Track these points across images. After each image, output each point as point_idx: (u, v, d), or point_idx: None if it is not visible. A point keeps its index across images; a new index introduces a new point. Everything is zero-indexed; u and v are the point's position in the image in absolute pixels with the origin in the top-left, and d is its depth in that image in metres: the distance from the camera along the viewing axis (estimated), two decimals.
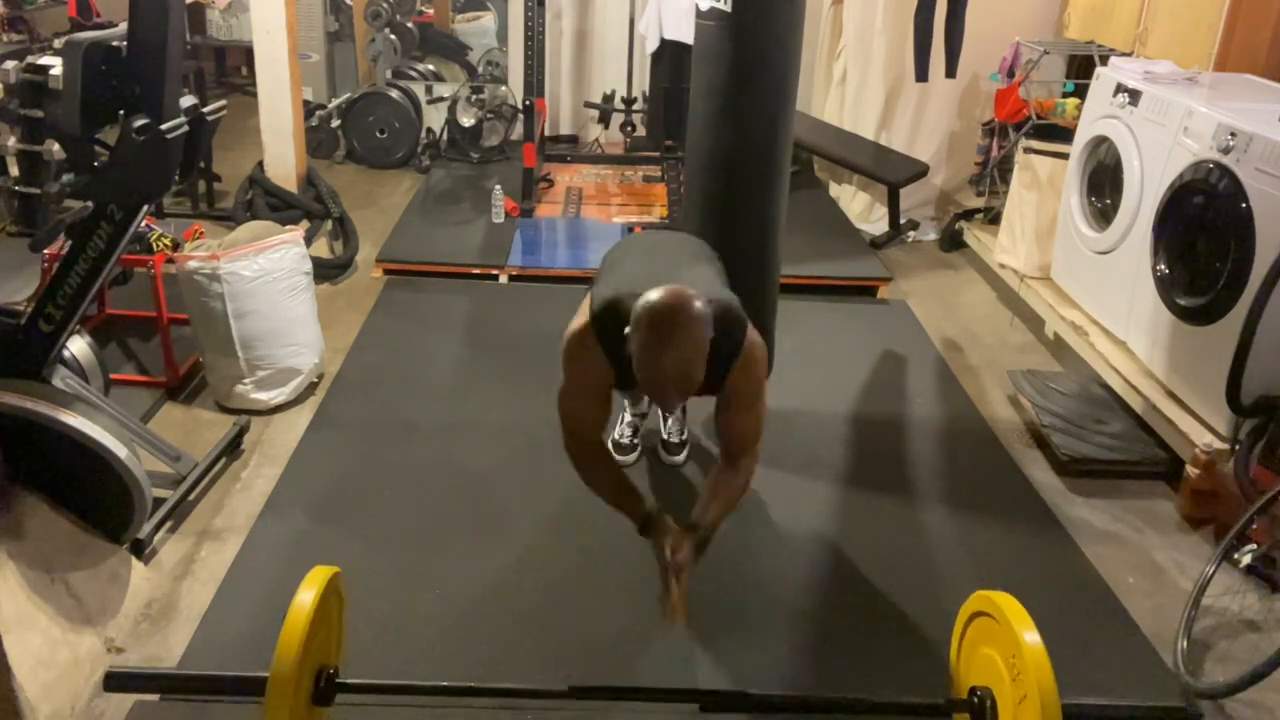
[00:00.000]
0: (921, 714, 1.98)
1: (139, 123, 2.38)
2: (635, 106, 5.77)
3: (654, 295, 1.76)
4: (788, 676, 2.25)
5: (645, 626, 2.37)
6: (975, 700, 1.87)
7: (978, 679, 1.92)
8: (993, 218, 4.81)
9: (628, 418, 3.00)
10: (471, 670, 2.21)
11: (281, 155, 5.10)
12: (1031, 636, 1.76)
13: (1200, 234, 3.07)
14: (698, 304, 1.77)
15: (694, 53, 2.90)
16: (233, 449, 3.00)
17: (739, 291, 2.11)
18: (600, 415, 2.09)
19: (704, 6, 2.78)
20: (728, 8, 2.70)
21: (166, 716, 2.08)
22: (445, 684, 1.94)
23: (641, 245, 2.47)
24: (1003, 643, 1.83)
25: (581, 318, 2.02)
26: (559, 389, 2.08)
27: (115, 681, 1.86)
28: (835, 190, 5.70)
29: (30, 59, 4.30)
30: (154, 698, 2.10)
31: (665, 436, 3.01)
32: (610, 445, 2.75)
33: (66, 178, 4.45)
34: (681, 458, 3.00)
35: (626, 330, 1.81)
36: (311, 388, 3.40)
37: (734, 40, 2.72)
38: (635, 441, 2.98)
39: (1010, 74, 4.71)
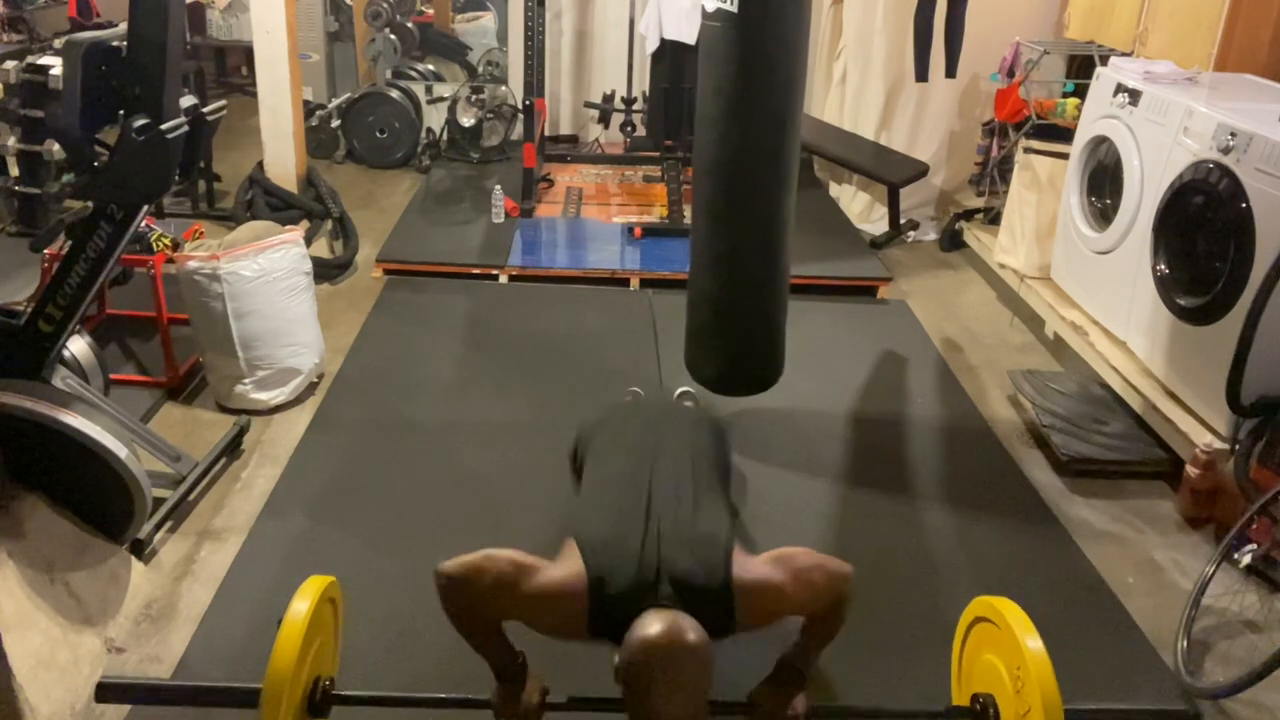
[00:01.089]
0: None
1: (139, 123, 2.38)
2: (635, 106, 5.77)
3: (652, 631, 1.51)
4: None
5: None
6: (978, 707, 1.84)
7: (980, 685, 1.90)
8: (993, 218, 4.81)
9: None
10: (471, 672, 2.20)
11: (281, 155, 5.11)
12: (1034, 643, 1.75)
13: (1200, 234, 3.07)
14: (694, 636, 1.52)
15: (700, 54, 2.90)
16: (233, 449, 3.00)
17: (747, 292, 2.01)
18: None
19: (710, 8, 2.78)
20: (734, 9, 2.70)
21: (166, 716, 2.08)
22: (443, 695, 1.89)
23: (625, 444, 2.05)
24: (1005, 649, 1.82)
25: (571, 577, 1.64)
26: (494, 577, 1.65)
27: (106, 693, 1.82)
28: (835, 190, 5.70)
29: (30, 59, 4.33)
30: None
31: None
32: None
33: (66, 178, 4.47)
34: None
35: (616, 661, 1.57)
36: (311, 388, 3.40)
37: (741, 41, 2.72)
38: None
39: (1010, 74, 4.71)
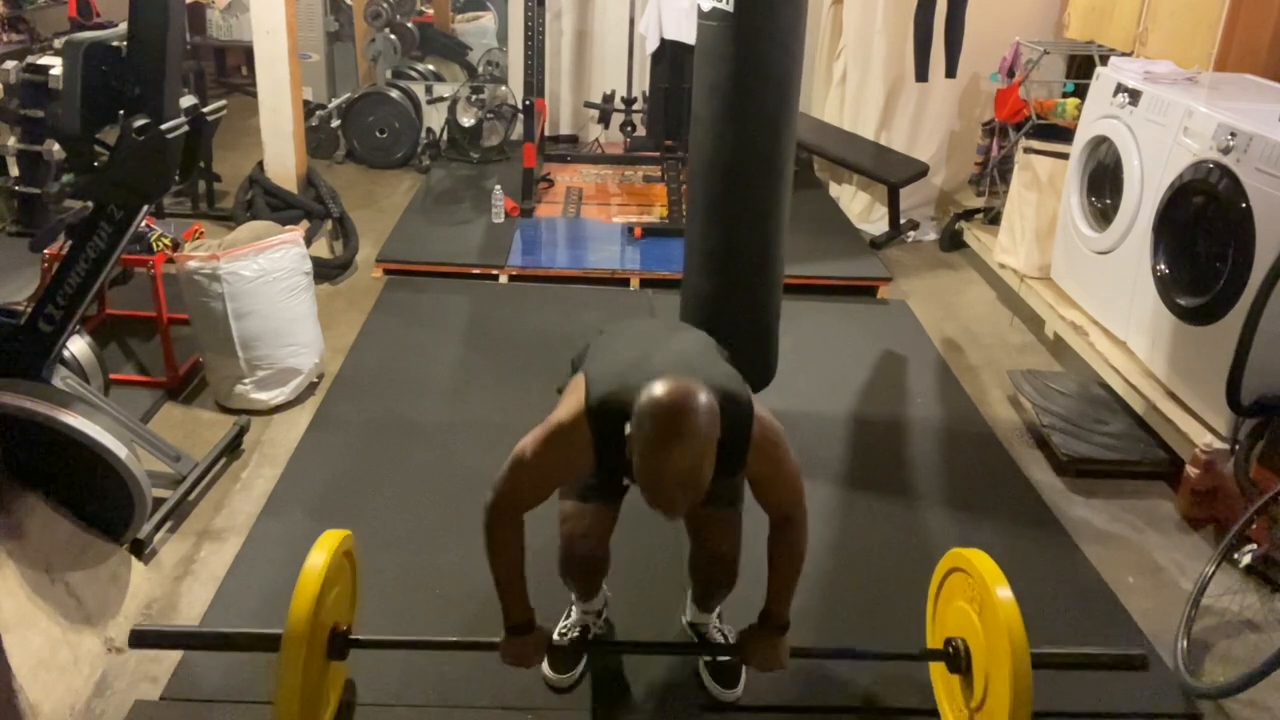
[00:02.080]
0: (900, 662, 2.17)
1: (139, 123, 2.38)
2: (635, 106, 5.77)
3: (658, 389, 1.58)
4: (786, 677, 2.25)
5: (646, 627, 2.37)
6: (950, 650, 1.99)
7: (953, 630, 2.03)
8: (993, 218, 4.81)
9: (574, 616, 2.26)
10: (473, 671, 2.21)
11: (281, 155, 5.10)
12: (1003, 591, 1.87)
13: (1200, 234, 3.07)
14: (704, 398, 1.59)
15: (696, 54, 2.90)
16: (233, 449, 3.00)
17: (741, 294, 2.09)
18: (545, 497, 1.91)
19: (706, 7, 2.78)
20: (730, 8, 2.70)
21: (166, 716, 2.08)
22: (455, 639, 2.11)
23: (636, 329, 2.13)
24: (976, 596, 1.94)
25: (573, 405, 1.76)
26: (515, 461, 1.82)
27: (142, 638, 2.01)
28: (835, 190, 5.70)
29: (30, 59, 4.32)
30: (154, 698, 2.11)
31: (712, 658, 2.24)
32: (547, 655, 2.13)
33: (66, 178, 4.47)
34: (738, 690, 2.18)
35: (627, 429, 1.64)
36: (311, 388, 3.40)
37: (736, 41, 2.72)
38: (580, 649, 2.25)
39: (1010, 74, 4.71)
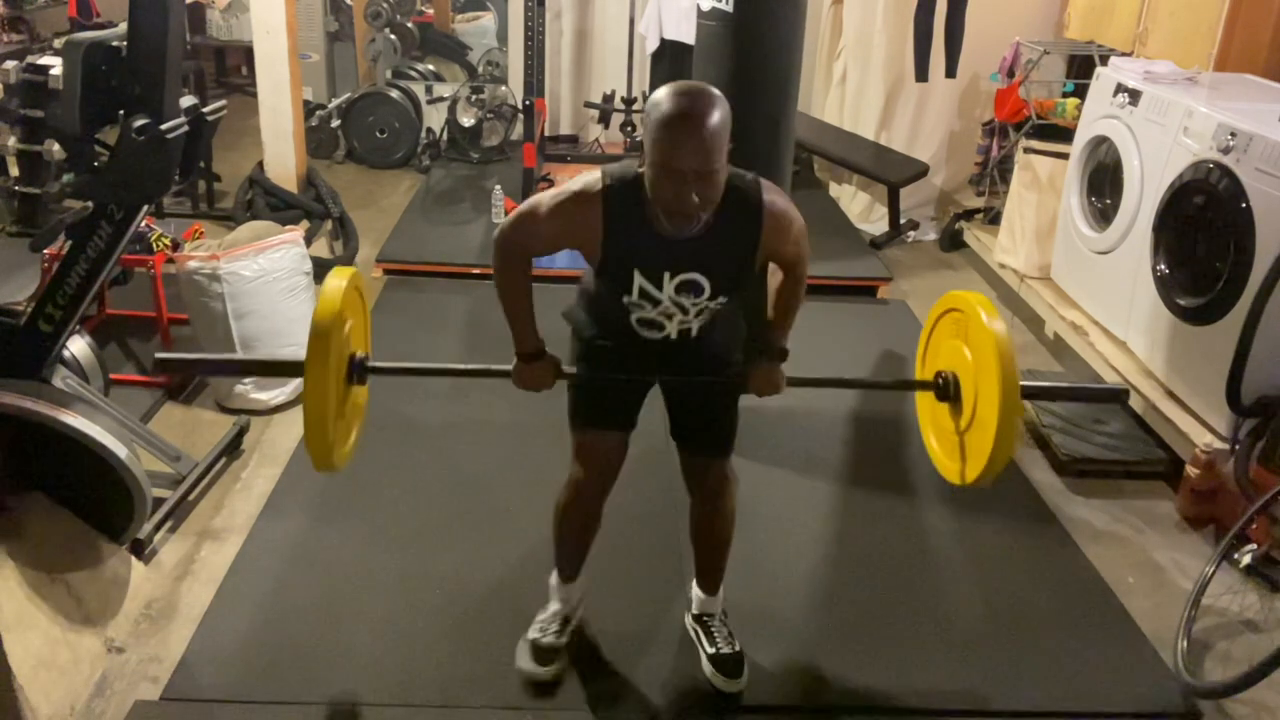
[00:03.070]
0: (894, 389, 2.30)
1: (139, 123, 2.38)
2: (635, 106, 5.77)
3: (679, 84, 1.71)
4: (787, 677, 2.25)
5: (645, 625, 2.37)
6: (940, 381, 2.06)
7: (943, 365, 2.08)
8: (993, 218, 4.81)
9: (553, 607, 2.25)
10: (474, 671, 2.21)
11: (281, 155, 5.11)
12: (998, 324, 1.91)
13: (1200, 234, 3.07)
14: (718, 93, 1.70)
15: (695, 53, 2.90)
16: (233, 449, 3.00)
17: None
18: (549, 250, 1.98)
19: (706, 7, 2.78)
20: (730, 8, 2.70)
21: (166, 716, 2.08)
22: (470, 366, 2.24)
23: None
24: (970, 333, 1.98)
25: (590, 176, 1.82)
26: (526, 212, 1.87)
27: (167, 365, 2.21)
28: (835, 190, 5.70)
29: (30, 59, 4.32)
30: (154, 698, 2.10)
31: (712, 649, 2.21)
32: (528, 648, 2.17)
33: (66, 178, 4.47)
34: (742, 681, 2.17)
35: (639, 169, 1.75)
36: None
37: (736, 41, 2.72)
38: (562, 642, 2.21)
39: (1010, 74, 4.71)
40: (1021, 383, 1.87)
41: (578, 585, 2.28)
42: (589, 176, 1.83)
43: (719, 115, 1.67)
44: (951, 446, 2.08)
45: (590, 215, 1.80)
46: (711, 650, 2.21)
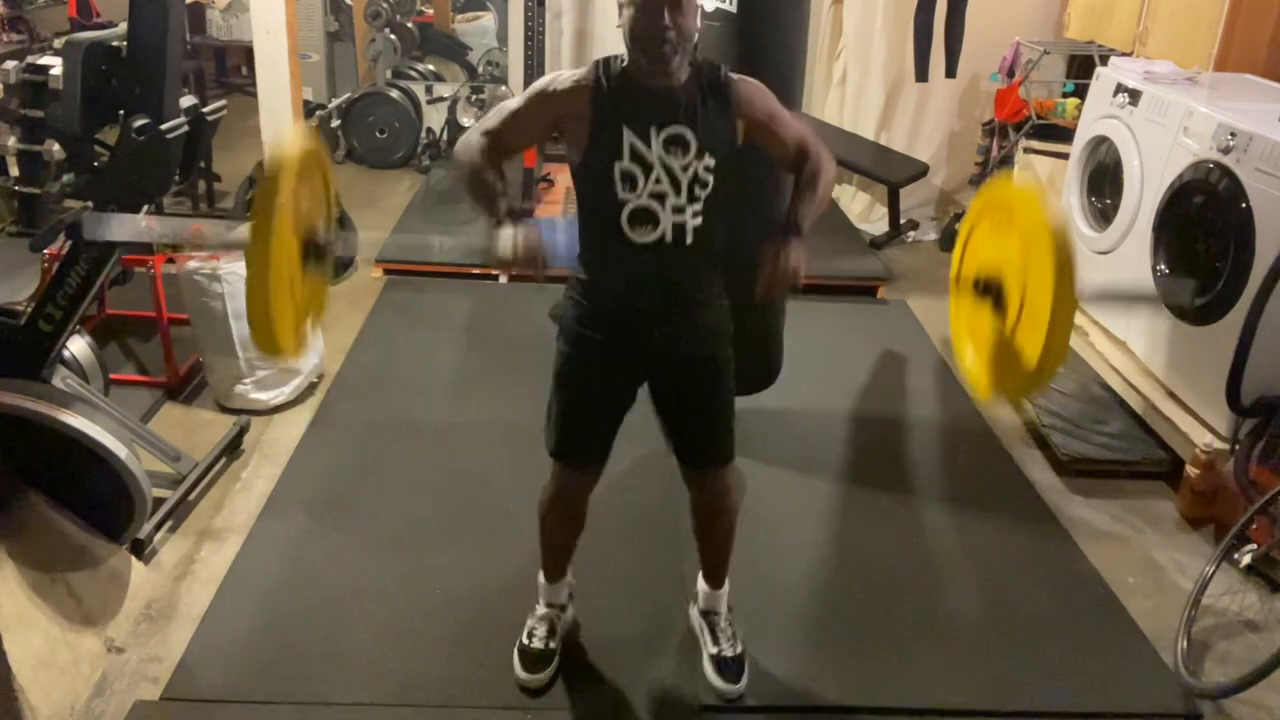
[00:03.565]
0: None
1: (139, 123, 2.38)
2: None
3: None
4: (787, 677, 2.25)
5: (645, 626, 2.37)
6: (981, 282, 1.89)
7: (985, 266, 1.91)
8: None
9: (540, 611, 2.25)
10: (474, 671, 2.21)
11: None
12: (1047, 204, 1.77)
13: (1200, 234, 3.07)
14: None
15: (697, 53, 2.90)
16: (233, 449, 3.00)
17: (745, 294, 2.08)
18: (528, 143, 2.05)
19: (709, 7, 2.78)
20: (733, 9, 2.70)
21: (166, 716, 2.08)
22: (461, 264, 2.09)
23: None
24: (1016, 222, 1.84)
25: (581, 71, 1.89)
26: (509, 105, 1.92)
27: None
28: (835, 190, 5.70)
29: (30, 59, 4.31)
30: (154, 698, 2.11)
31: (714, 650, 2.21)
32: (515, 655, 2.19)
33: (66, 178, 4.46)
34: (741, 685, 2.17)
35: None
36: (311, 388, 3.40)
37: (740, 41, 2.72)
38: (551, 647, 2.20)
39: (1010, 74, 4.71)
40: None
41: (563, 585, 2.28)
42: (577, 71, 1.89)
43: None
44: (991, 356, 1.91)
45: (579, 98, 1.85)
46: (714, 650, 2.21)
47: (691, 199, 1.85)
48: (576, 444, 2.07)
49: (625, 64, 1.86)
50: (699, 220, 1.87)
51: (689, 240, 1.87)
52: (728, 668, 2.18)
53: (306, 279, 1.88)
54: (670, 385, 2.05)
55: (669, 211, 1.85)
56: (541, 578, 2.26)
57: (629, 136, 1.82)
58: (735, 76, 1.90)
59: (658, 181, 1.84)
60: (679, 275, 1.93)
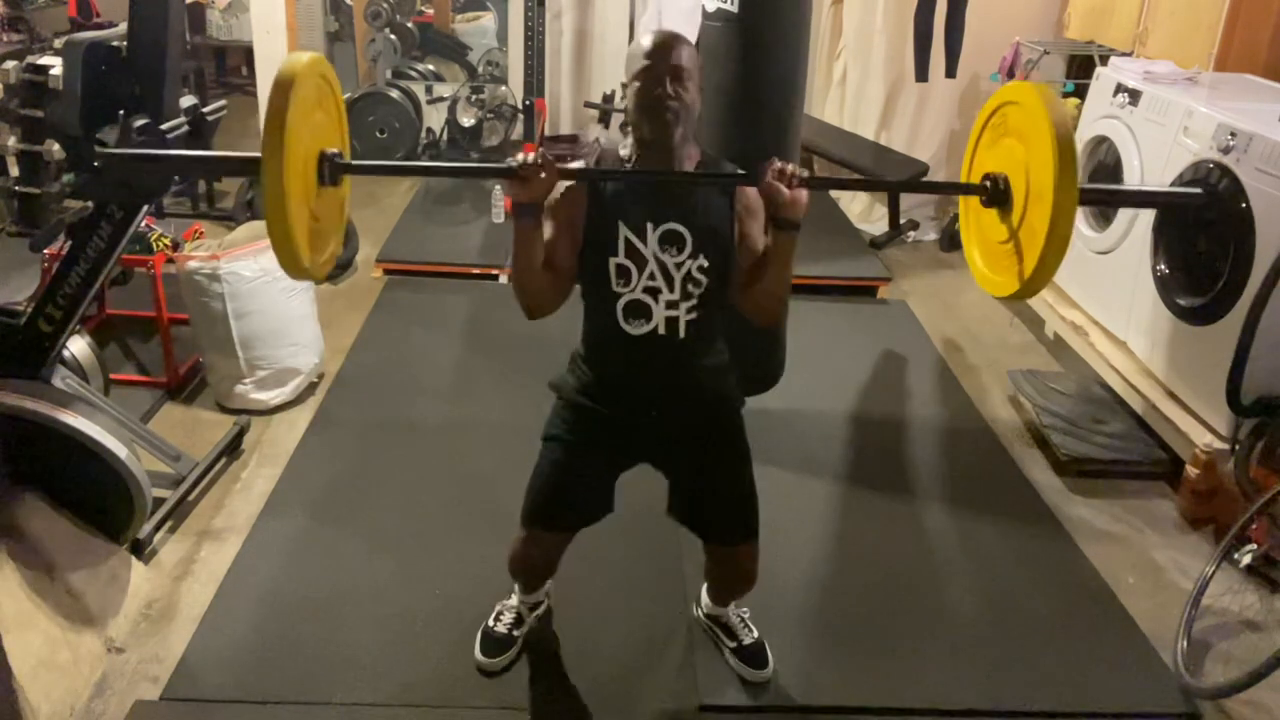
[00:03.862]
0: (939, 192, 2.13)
1: (139, 123, 2.38)
2: None
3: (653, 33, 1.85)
4: (787, 678, 2.25)
5: (645, 626, 2.37)
6: (988, 182, 1.92)
7: (993, 168, 1.94)
8: None
9: (512, 601, 2.29)
10: (473, 672, 2.21)
11: None
12: (1053, 104, 1.78)
13: (1200, 234, 3.07)
14: (689, 41, 1.84)
15: (700, 54, 2.90)
16: (233, 449, 3.00)
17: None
18: (567, 256, 1.90)
19: (711, 8, 2.79)
20: (735, 9, 2.70)
21: (166, 716, 2.08)
22: (439, 166, 2.03)
23: None
24: (1022, 123, 1.87)
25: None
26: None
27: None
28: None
29: (30, 59, 4.32)
30: (154, 698, 2.11)
31: (734, 643, 2.25)
32: (479, 638, 2.24)
33: (66, 178, 4.47)
34: (769, 669, 2.22)
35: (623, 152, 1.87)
36: (311, 388, 3.40)
37: (741, 41, 2.72)
38: (515, 635, 2.25)
39: (1010, 74, 4.71)
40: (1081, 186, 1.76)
41: (539, 593, 2.31)
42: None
43: (689, 45, 1.83)
44: (998, 256, 1.96)
45: (576, 198, 1.85)
46: (733, 644, 2.25)
47: (685, 296, 1.85)
48: (553, 514, 2.04)
49: (626, 154, 1.87)
50: (693, 315, 1.86)
51: (681, 334, 1.87)
52: (752, 655, 2.23)
53: (323, 197, 1.87)
54: (676, 461, 2.02)
55: (662, 306, 1.85)
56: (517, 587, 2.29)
57: (624, 231, 1.83)
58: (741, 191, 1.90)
59: (651, 277, 1.84)
60: (673, 365, 1.93)
